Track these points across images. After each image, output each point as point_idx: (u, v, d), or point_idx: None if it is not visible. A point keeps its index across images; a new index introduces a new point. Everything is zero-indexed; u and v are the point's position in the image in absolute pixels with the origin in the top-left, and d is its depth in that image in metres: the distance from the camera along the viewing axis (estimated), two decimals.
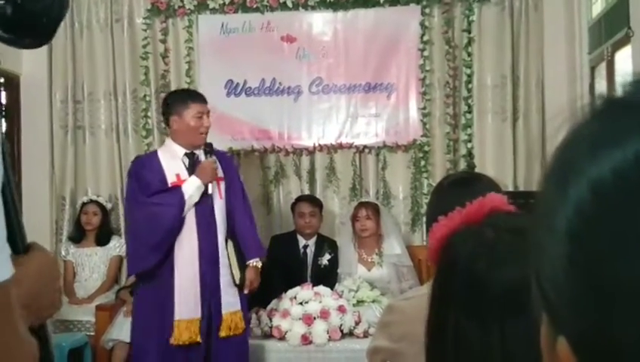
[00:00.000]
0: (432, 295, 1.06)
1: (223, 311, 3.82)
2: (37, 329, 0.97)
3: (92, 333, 4.79)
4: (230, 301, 3.86)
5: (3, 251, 0.78)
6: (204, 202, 3.82)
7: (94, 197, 5.41)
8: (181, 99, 3.95)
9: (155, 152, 4.09)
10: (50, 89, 5.62)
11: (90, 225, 5.32)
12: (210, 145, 3.94)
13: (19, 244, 0.98)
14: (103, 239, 5.33)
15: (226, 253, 3.88)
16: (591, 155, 0.45)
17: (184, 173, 3.85)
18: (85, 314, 4.84)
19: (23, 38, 1.07)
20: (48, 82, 5.59)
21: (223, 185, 3.94)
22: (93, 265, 5.29)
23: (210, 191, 3.82)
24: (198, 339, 3.75)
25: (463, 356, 0.99)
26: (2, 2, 0.98)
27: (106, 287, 5.23)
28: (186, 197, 3.76)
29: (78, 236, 5.36)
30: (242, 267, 3.93)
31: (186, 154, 3.91)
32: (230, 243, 3.92)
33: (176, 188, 3.79)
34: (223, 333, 3.80)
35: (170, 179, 3.84)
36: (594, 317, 0.43)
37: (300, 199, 5.11)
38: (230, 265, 3.89)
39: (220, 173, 3.94)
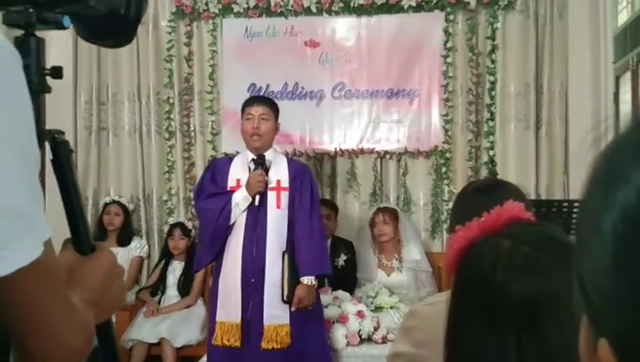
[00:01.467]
0: (450, 305, 1.06)
1: (265, 323, 3.77)
2: (103, 326, 1.03)
3: None
4: (275, 314, 3.79)
5: (31, 231, 0.79)
6: (256, 211, 3.84)
7: (117, 198, 5.45)
8: (243, 106, 4.10)
9: (235, 155, 4.21)
10: (75, 90, 5.67)
11: (112, 225, 5.36)
12: (262, 156, 3.91)
13: (85, 245, 1.04)
14: (124, 240, 5.37)
15: (279, 266, 3.82)
16: (637, 161, 0.45)
17: (245, 179, 3.88)
18: None
19: (105, 39, 1.12)
20: (73, 83, 5.64)
21: (284, 195, 3.90)
22: None
23: (256, 203, 3.81)
24: (237, 344, 3.75)
25: None
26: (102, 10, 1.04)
27: (127, 288, 5.26)
28: (233, 204, 3.81)
29: (99, 236, 5.40)
30: (295, 283, 3.82)
31: (253, 159, 3.92)
32: (287, 257, 3.84)
33: (227, 194, 3.86)
34: (264, 345, 3.75)
35: (230, 184, 3.92)
36: (638, 319, 0.44)
37: (321, 202, 5.11)
38: (283, 279, 3.81)
39: (285, 184, 3.92)
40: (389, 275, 4.89)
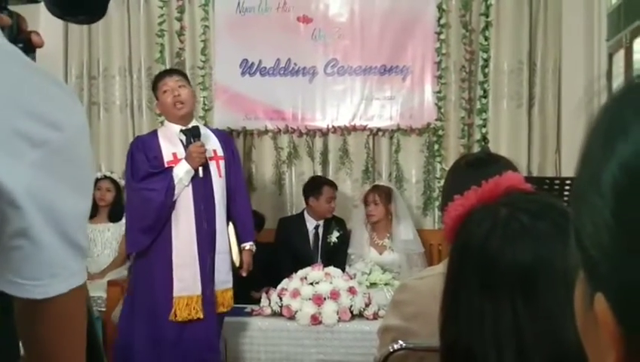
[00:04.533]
0: (447, 273, 1.07)
1: (216, 288, 3.90)
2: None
3: (103, 309, 4.82)
4: (224, 279, 3.93)
5: (84, 259, 1.00)
6: (201, 182, 3.85)
7: (108, 174, 5.42)
8: (154, 83, 4.09)
9: (155, 131, 4.13)
10: (66, 64, 5.62)
11: (104, 201, 5.33)
12: (196, 128, 3.93)
13: None
14: (115, 215, 5.35)
15: (225, 234, 3.94)
16: (637, 113, 0.45)
17: (181, 152, 3.87)
18: (97, 289, 4.86)
19: (77, 15, 1.11)
20: (64, 57, 5.60)
21: (222, 164, 3.98)
22: (106, 240, 5.31)
23: (201, 175, 3.83)
24: (200, 315, 3.81)
25: (475, 333, 0.99)
26: None
27: (118, 263, 5.25)
28: (176, 181, 3.80)
29: (91, 212, 5.37)
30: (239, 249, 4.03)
31: (182, 130, 3.92)
32: (231, 225, 3.99)
33: (167, 171, 3.82)
34: (220, 309, 3.90)
35: (167, 158, 3.88)
36: (636, 272, 0.43)
37: (327, 183, 5.11)
38: (230, 246, 3.96)
39: (220, 153, 3.99)
40: (380, 254, 4.90)
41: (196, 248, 3.83)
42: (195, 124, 3.99)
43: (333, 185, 5.11)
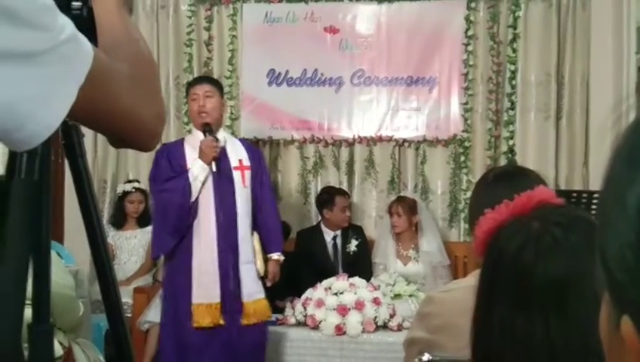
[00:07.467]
0: (478, 286, 1.06)
1: (244, 300, 3.89)
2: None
3: (129, 315, 4.85)
4: (252, 290, 3.94)
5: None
6: (224, 190, 3.89)
7: (136, 185, 5.44)
8: (186, 89, 4.21)
9: (182, 139, 4.21)
10: None
11: (136, 213, 5.39)
12: (209, 124, 3.95)
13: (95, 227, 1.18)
14: (142, 222, 5.39)
15: (250, 244, 3.98)
16: None
17: None
18: (123, 295, 4.80)
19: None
20: None
21: (248, 174, 4.03)
22: (132, 247, 5.35)
23: (214, 169, 3.86)
24: (221, 322, 3.83)
25: (508, 346, 0.99)
26: (79, 4, 1.03)
27: (145, 270, 5.29)
28: (191, 179, 3.85)
29: (119, 222, 5.41)
30: (264, 259, 4.05)
31: (203, 131, 3.99)
32: (255, 235, 4.04)
33: (184, 174, 3.88)
34: (245, 321, 3.89)
35: (190, 165, 3.94)
36: None
37: (338, 193, 5.11)
38: (255, 257, 3.99)
39: (247, 163, 4.03)
40: (405, 264, 4.89)
41: (217, 256, 3.86)
42: (218, 133, 4.02)
43: (345, 194, 5.13)
